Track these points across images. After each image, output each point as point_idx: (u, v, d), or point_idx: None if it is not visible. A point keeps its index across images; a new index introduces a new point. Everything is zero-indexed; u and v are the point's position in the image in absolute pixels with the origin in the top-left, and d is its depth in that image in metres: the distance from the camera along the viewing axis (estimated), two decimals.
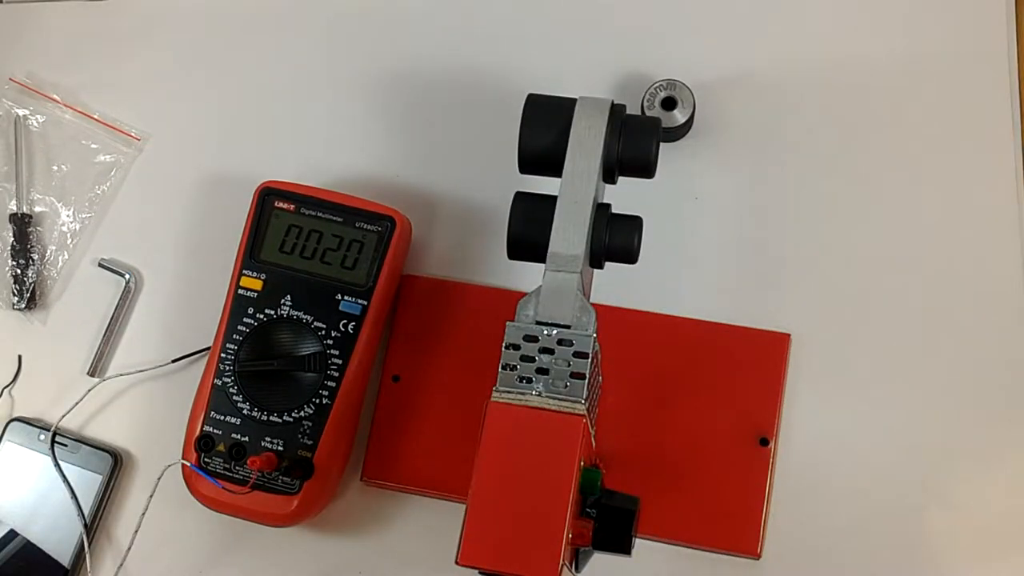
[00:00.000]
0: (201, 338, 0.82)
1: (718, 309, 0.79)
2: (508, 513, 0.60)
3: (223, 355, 0.77)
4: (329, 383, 0.76)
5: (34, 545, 0.81)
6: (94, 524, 0.81)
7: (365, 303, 0.77)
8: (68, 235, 0.86)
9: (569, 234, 0.66)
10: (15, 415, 0.83)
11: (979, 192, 0.79)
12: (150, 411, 0.83)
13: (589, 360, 0.64)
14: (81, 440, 0.82)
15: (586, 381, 0.63)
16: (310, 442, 0.75)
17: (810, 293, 0.79)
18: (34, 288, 0.85)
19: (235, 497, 0.75)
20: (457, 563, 0.60)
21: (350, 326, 0.76)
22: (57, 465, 0.81)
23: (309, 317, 0.77)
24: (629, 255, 0.69)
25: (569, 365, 0.64)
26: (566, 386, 0.63)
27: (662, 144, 0.72)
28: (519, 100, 0.71)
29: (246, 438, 0.76)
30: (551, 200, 0.67)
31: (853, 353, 0.78)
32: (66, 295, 0.86)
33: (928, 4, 0.82)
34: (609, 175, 0.70)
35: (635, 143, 0.69)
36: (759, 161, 0.82)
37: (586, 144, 0.68)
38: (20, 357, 0.85)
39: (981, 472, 0.76)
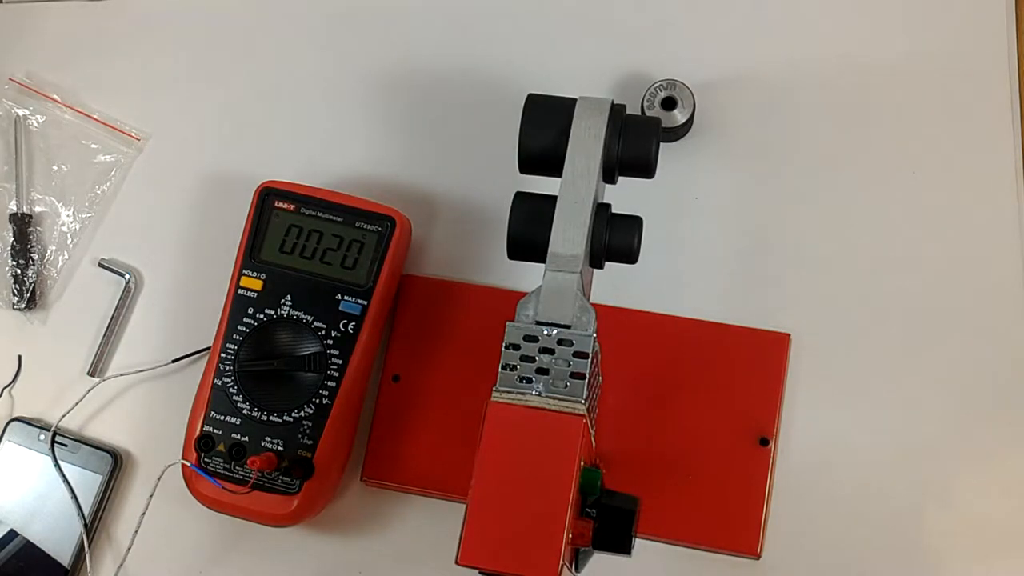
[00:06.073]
0: (201, 338, 0.82)
1: (718, 309, 0.79)
2: (508, 513, 0.60)
3: (223, 355, 0.77)
4: (329, 383, 0.76)
5: (34, 545, 0.81)
6: (94, 524, 0.81)
7: (365, 303, 0.77)
8: (68, 235, 0.86)
9: (569, 234, 0.66)
10: (15, 415, 0.84)
11: (979, 192, 0.79)
12: (150, 411, 0.83)
13: (589, 360, 0.64)
14: (81, 440, 0.82)
15: (586, 381, 0.63)
16: (310, 442, 0.75)
17: (810, 293, 0.79)
18: (34, 288, 0.85)
19: (235, 497, 0.75)
20: (457, 563, 0.60)
21: (350, 326, 0.76)
22: (57, 465, 0.81)
23: (309, 317, 0.77)
24: (629, 255, 0.69)
25: (569, 365, 0.64)
26: (566, 386, 0.63)
27: (662, 144, 0.72)
28: (519, 100, 0.71)
29: (246, 438, 0.76)
30: (551, 200, 0.67)
31: (853, 353, 0.78)
32: (66, 295, 0.86)
33: (928, 4, 0.82)
34: (609, 175, 0.70)
35: (635, 143, 0.69)
36: (759, 161, 0.82)
37: (586, 144, 0.68)
38: (20, 357, 0.85)
39: (981, 472, 0.76)
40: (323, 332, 0.76)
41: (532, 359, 0.64)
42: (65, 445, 0.82)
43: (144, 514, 0.76)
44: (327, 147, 0.86)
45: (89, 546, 0.80)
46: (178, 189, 0.86)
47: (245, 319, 0.77)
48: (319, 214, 0.78)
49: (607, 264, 0.70)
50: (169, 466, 0.76)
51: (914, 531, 0.75)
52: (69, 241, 0.86)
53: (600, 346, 0.66)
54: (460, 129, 0.85)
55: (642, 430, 0.77)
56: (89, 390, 0.82)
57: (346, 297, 0.77)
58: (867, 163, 0.81)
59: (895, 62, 0.82)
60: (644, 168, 0.70)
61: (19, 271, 0.85)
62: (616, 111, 0.70)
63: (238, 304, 0.78)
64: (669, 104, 0.81)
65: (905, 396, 0.77)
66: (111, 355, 0.84)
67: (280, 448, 0.75)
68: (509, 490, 0.61)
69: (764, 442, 0.76)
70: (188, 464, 0.76)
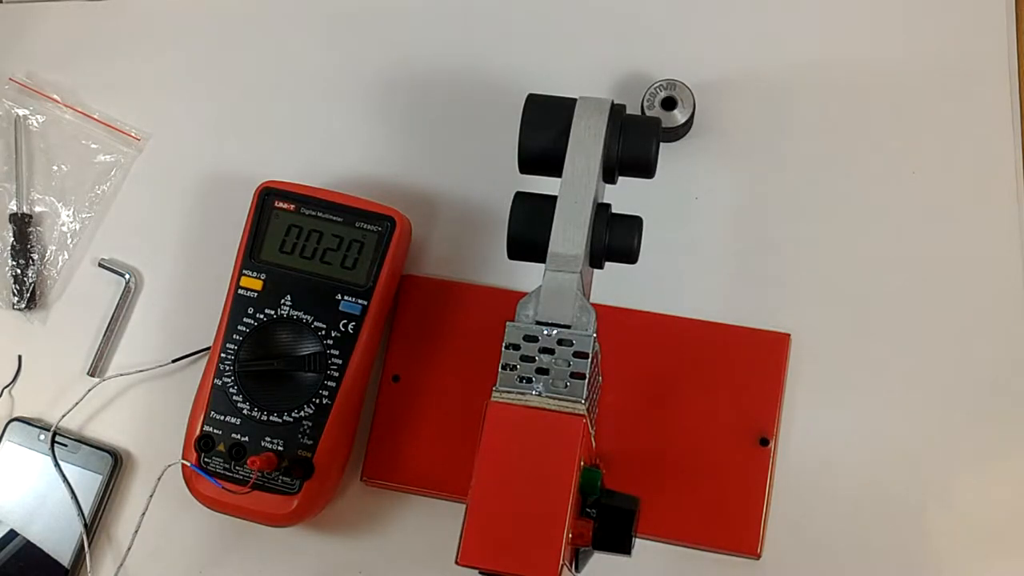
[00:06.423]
0: (201, 338, 0.82)
1: (718, 309, 0.79)
2: (508, 513, 0.60)
3: (223, 355, 0.77)
4: (329, 383, 0.76)
5: (34, 545, 0.81)
6: (94, 524, 0.81)
7: (365, 303, 0.77)
8: (68, 235, 0.86)
9: (569, 234, 0.66)
10: (15, 415, 0.84)
11: (979, 192, 0.79)
12: (150, 411, 0.83)
13: (589, 360, 0.64)
14: (81, 440, 0.82)
15: (586, 381, 0.63)
16: (310, 442, 0.75)
17: (810, 293, 0.79)
18: (34, 288, 0.85)
19: (235, 497, 0.75)
20: (457, 563, 0.60)
21: (350, 326, 0.76)
22: (57, 465, 0.81)
23: (309, 317, 0.77)
24: (629, 255, 0.69)
25: (569, 365, 0.64)
26: (566, 386, 0.63)
27: (662, 144, 0.72)
28: (519, 100, 0.71)
29: (246, 438, 0.76)
30: (551, 200, 0.67)
31: (853, 353, 0.78)
32: (66, 295, 0.86)
33: (928, 4, 0.82)
34: (609, 175, 0.70)
35: (635, 143, 0.69)
36: (759, 161, 0.82)
37: (586, 144, 0.68)
38: (20, 357, 0.85)
39: (981, 472, 0.76)
40: (323, 332, 0.76)
41: (532, 359, 0.64)
42: (65, 445, 0.82)
43: (144, 514, 0.76)
44: (327, 147, 0.86)
45: (89, 546, 0.80)
46: (178, 189, 0.86)
47: (245, 319, 0.77)
48: (319, 214, 0.78)
49: (607, 264, 0.70)
50: (169, 466, 0.76)
51: (914, 531, 0.75)
52: (69, 241, 0.86)
53: (600, 346, 0.66)
54: (460, 129, 0.85)
55: (642, 430, 0.77)
56: (89, 390, 0.82)
57: (346, 297, 0.77)
58: (867, 163, 0.81)
59: (895, 62, 0.82)
60: (644, 168, 0.70)
61: (19, 271, 0.85)
62: (616, 111, 0.70)
63: (238, 304, 0.78)
64: (669, 104, 0.81)
65: (905, 396, 0.77)
66: (111, 355, 0.84)
67: (280, 448, 0.75)
68: (509, 490, 0.61)
69: (764, 442, 0.76)
70: (188, 464, 0.76)
